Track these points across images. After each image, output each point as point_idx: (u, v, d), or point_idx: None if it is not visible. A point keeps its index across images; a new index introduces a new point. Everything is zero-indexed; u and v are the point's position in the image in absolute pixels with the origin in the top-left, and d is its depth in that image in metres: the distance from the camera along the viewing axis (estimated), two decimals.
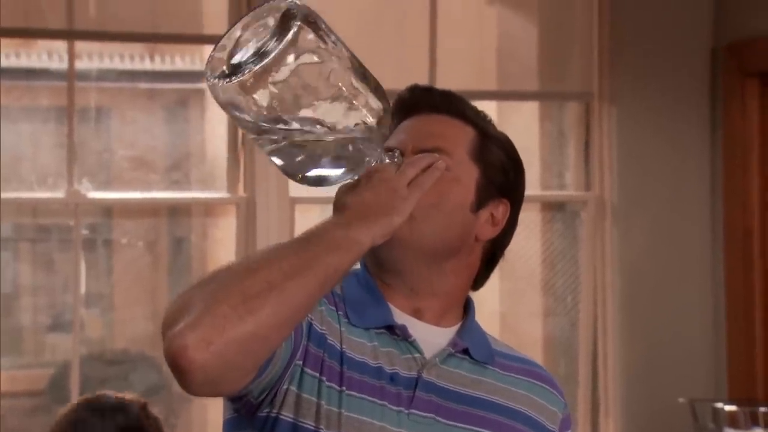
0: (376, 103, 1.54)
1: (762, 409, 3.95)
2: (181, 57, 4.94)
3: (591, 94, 4.34)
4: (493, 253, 1.74)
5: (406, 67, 4.27)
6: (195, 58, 4.90)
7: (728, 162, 4.29)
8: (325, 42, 1.50)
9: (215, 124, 4.26)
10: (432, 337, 1.68)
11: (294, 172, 1.56)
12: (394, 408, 1.62)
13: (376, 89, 1.55)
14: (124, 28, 4.10)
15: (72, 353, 3.96)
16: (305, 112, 1.51)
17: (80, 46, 4.09)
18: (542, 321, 4.54)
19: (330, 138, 1.52)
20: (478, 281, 1.75)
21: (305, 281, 1.46)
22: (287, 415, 1.59)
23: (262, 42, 1.48)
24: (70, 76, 3.95)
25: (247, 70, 1.47)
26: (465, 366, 1.69)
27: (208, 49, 4.59)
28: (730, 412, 3.98)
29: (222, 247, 4.22)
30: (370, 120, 1.54)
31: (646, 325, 4.28)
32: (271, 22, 1.49)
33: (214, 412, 4.17)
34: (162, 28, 4.21)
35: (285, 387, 1.58)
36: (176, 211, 4.38)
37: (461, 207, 1.67)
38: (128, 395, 2.87)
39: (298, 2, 1.50)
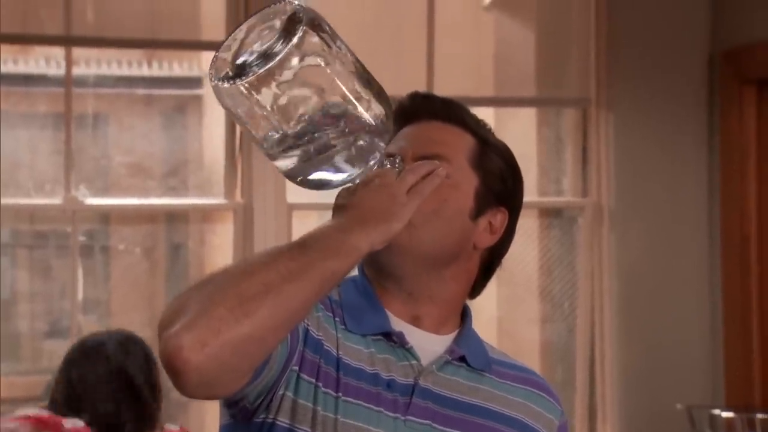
0: (378, 108, 1.55)
1: (759, 416, 3.95)
2: (179, 63, 4.94)
3: (588, 100, 4.34)
4: (490, 262, 1.74)
5: (404, 73, 4.27)
6: (193, 65, 4.90)
7: (725, 168, 4.30)
8: (329, 46, 1.50)
9: (213, 130, 4.26)
10: (429, 344, 1.68)
11: (295, 175, 1.57)
12: (391, 414, 1.62)
13: (380, 94, 1.55)
14: (121, 34, 4.10)
15: None
16: (308, 116, 1.51)
17: (78, 52, 4.09)
18: (540, 327, 4.54)
19: (331, 142, 1.53)
20: (476, 289, 1.75)
21: (302, 285, 1.46)
22: (283, 420, 1.59)
23: (267, 44, 1.48)
24: (68, 82, 3.95)
25: (252, 72, 1.47)
26: (462, 373, 1.69)
27: (206, 55, 4.62)
28: (728, 419, 3.98)
29: (219, 253, 4.22)
30: (373, 125, 1.54)
31: (644, 331, 4.29)
32: (277, 24, 1.49)
33: (210, 418, 4.17)
34: (160, 35, 4.22)
35: (281, 392, 1.58)
36: (174, 217, 4.38)
37: (460, 214, 1.68)
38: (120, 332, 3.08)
39: (303, 6, 1.51)
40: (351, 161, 1.55)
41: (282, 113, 1.50)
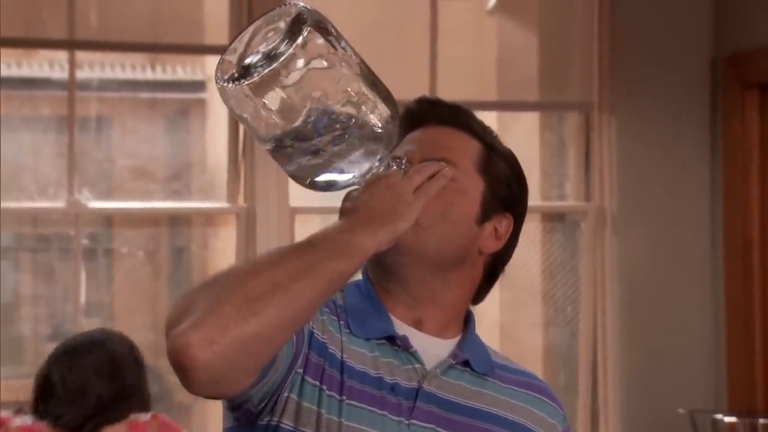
0: (385, 110, 1.55)
1: (762, 421, 3.95)
2: (183, 67, 4.95)
3: (591, 104, 4.35)
4: (494, 267, 1.74)
5: (407, 77, 4.28)
6: (196, 68, 4.91)
7: (728, 172, 4.30)
8: (335, 48, 1.50)
9: (216, 134, 4.26)
10: (433, 348, 1.68)
11: (301, 177, 1.57)
12: (395, 418, 1.63)
13: (386, 96, 1.56)
14: (125, 38, 4.11)
15: None
16: (314, 117, 1.51)
17: (81, 55, 4.09)
18: (542, 331, 4.54)
19: (338, 144, 1.53)
20: (479, 295, 1.75)
21: (309, 284, 1.47)
22: (287, 423, 1.59)
23: (272, 46, 1.48)
24: (71, 85, 3.96)
25: (257, 74, 1.47)
26: (466, 378, 1.69)
27: (209, 59, 4.63)
28: (730, 424, 3.98)
29: (222, 256, 4.23)
30: (379, 127, 1.55)
31: (646, 336, 4.29)
32: (282, 26, 1.50)
33: (214, 421, 4.17)
34: (163, 38, 4.22)
35: (285, 395, 1.58)
36: (176, 220, 4.38)
37: (467, 218, 1.68)
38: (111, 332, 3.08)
39: (309, 8, 1.51)
40: (357, 163, 1.56)
41: (287, 115, 1.50)
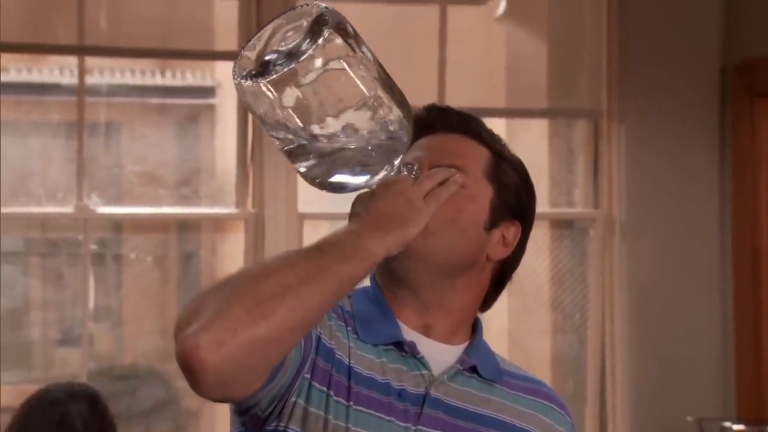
0: (399, 115, 1.55)
1: None
2: (192, 72, 4.96)
3: (600, 111, 4.35)
4: (502, 274, 1.75)
5: (416, 83, 4.28)
6: (206, 74, 4.92)
7: (737, 181, 4.29)
8: (354, 50, 1.50)
9: (225, 139, 4.27)
10: (440, 354, 1.68)
11: (312, 177, 1.57)
12: (402, 424, 1.63)
13: (401, 102, 1.56)
14: (135, 43, 4.11)
15: (80, 368, 3.96)
16: (329, 118, 1.51)
17: (92, 61, 4.10)
18: (551, 338, 4.54)
19: (351, 146, 1.53)
20: (487, 302, 1.75)
21: (319, 287, 1.47)
22: (294, 428, 1.59)
23: (292, 45, 1.49)
24: (80, 91, 3.96)
25: (276, 72, 1.47)
26: (473, 384, 1.69)
27: (218, 64, 4.64)
28: (738, 431, 3.98)
29: (231, 262, 4.23)
30: (393, 131, 1.55)
31: (655, 343, 4.28)
32: (303, 26, 1.50)
33: (221, 427, 4.17)
34: (173, 44, 4.23)
35: (293, 400, 1.59)
36: (185, 226, 4.39)
37: (476, 224, 1.68)
38: (81, 385, 2.84)
39: (330, 9, 1.52)
40: (369, 166, 1.56)
41: (302, 114, 1.50)
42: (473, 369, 1.70)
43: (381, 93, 1.53)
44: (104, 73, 4.36)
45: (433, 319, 1.69)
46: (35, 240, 4.36)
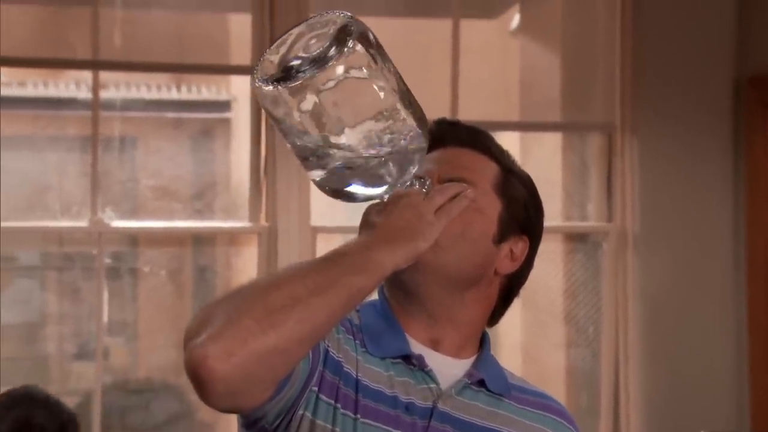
0: (415, 129, 1.56)
1: None
2: (207, 87, 4.98)
3: (613, 125, 4.35)
4: (510, 289, 1.75)
5: (429, 97, 4.27)
6: (221, 89, 4.93)
7: (750, 194, 4.29)
8: (376, 62, 1.51)
9: (240, 153, 4.28)
10: (448, 368, 1.69)
11: (325, 185, 1.58)
12: None
13: (419, 117, 1.56)
14: (149, 58, 4.13)
15: (95, 382, 3.97)
16: (347, 128, 1.52)
17: (107, 76, 4.12)
18: (564, 352, 4.53)
19: (366, 156, 1.53)
20: (494, 317, 1.76)
21: (328, 299, 1.48)
22: None
23: (316, 53, 1.49)
24: (95, 105, 3.98)
25: (297, 79, 1.48)
26: (481, 398, 1.70)
27: (233, 79, 4.65)
28: None
29: (245, 275, 4.24)
30: (407, 144, 1.56)
31: (668, 357, 4.28)
32: (328, 34, 1.50)
33: None
34: (188, 59, 4.24)
35: (300, 413, 1.59)
36: (200, 240, 4.40)
37: (485, 237, 1.69)
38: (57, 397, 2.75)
39: (355, 19, 1.52)
40: (381, 178, 1.56)
41: (320, 122, 1.51)
42: (481, 383, 1.70)
43: (399, 105, 1.53)
44: (120, 87, 4.38)
45: (442, 332, 1.70)
46: (51, 254, 4.38)
